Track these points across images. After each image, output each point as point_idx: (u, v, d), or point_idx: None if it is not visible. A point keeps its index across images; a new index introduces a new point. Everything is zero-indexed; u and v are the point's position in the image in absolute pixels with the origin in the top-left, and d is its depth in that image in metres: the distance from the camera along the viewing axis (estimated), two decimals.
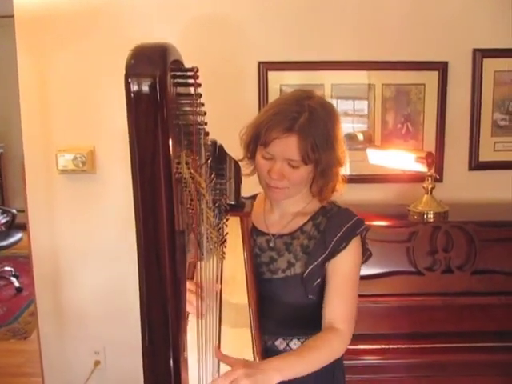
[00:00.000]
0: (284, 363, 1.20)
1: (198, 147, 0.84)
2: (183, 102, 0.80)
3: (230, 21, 2.32)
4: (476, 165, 2.41)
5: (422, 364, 1.94)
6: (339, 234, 1.32)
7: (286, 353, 1.30)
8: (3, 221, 5.45)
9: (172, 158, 0.72)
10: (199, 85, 0.80)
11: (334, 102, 2.36)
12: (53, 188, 2.40)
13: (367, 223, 2.05)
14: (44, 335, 2.53)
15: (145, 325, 0.74)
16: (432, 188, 2.17)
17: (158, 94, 0.67)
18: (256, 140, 1.31)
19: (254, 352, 1.28)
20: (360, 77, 2.35)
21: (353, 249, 1.33)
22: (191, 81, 0.78)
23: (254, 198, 1.47)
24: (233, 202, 1.35)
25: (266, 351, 1.34)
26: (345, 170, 1.38)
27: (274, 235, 1.39)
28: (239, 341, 1.31)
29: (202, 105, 0.84)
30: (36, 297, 2.52)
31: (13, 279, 4.33)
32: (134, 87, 0.67)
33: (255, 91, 2.34)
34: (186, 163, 0.78)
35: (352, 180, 2.38)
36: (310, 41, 2.33)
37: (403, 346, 1.95)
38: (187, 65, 2.32)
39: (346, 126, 2.40)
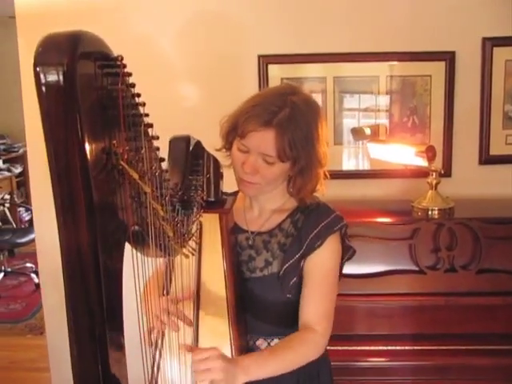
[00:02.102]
0: (251, 363, 1.17)
1: (135, 138, 0.81)
2: (114, 92, 0.76)
3: (229, 14, 2.28)
4: (486, 159, 2.31)
5: (424, 367, 1.87)
6: (315, 231, 1.28)
7: (257, 352, 1.27)
8: (27, 218, 5.60)
9: (92, 148, 0.69)
10: (130, 74, 0.77)
11: (336, 95, 2.30)
12: None
13: (369, 220, 2.01)
14: (50, 330, 2.55)
15: (69, 315, 0.71)
16: (437, 183, 2.08)
17: (68, 83, 0.64)
18: (234, 130, 1.27)
19: (231, 350, 1.25)
20: (363, 69, 2.27)
21: (329, 246, 1.28)
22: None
23: (235, 194, 1.43)
24: (212, 199, 1.32)
25: (248, 351, 1.31)
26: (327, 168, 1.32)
27: (253, 233, 1.36)
28: (218, 340, 1.28)
29: (138, 95, 0.80)
30: (41, 293, 2.55)
31: (33, 275, 4.41)
32: (42, 76, 0.64)
33: (255, 85, 2.29)
34: (115, 154, 0.75)
35: (359, 175, 2.37)
36: (311, 32, 2.26)
37: (404, 348, 1.88)
38: (189, 59, 2.26)
39: (349, 121, 2.34)
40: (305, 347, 1.25)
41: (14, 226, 5.38)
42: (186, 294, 1.27)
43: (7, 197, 5.53)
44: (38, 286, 4.31)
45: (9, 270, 4.64)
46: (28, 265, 4.61)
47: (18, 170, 5.87)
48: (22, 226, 5.47)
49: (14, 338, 3.65)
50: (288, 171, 1.27)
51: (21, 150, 5.81)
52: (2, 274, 4.54)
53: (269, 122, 1.19)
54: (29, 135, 2.39)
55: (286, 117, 1.20)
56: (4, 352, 3.46)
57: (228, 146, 1.32)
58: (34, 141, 2.39)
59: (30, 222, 4.51)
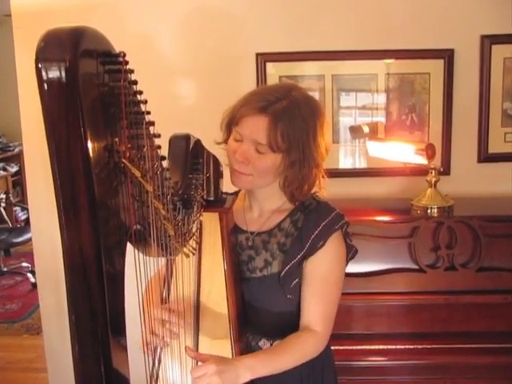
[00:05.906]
0: (257, 361, 1.17)
1: (137, 136, 0.79)
2: (116, 90, 0.75)
3: (227, 12, 2.26)
4: (485, 157, 2.30)
5: (424, 366, 1.86)
6: (316, 231, 1.26)
7: (260, 351, 1.26)
8: (23, 217, 5.56)
9: (94, 145, 0.68)
10: (132, 71, 0.76)
11: (335, 93, 2.29)
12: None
13: (368, 218, 2.00)
14: (47, 330, 2.53)
15: (71, 316, 0.70)
16: (436, 181, 2.07)
17: (70, 80, 0.63)
18: (232, 121, 1.26)
19: (232, 350, 1.24)
20: (362, 67, 2.26)
21: (332, 246, 1.27)
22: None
23: (236, 194, 1.42)
24: (212, 198, 1.31)
25: (250, 352, 1.28)
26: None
27: (252, 233, 1.34)
28: (218, 340, 1.27)
29: (140, 93, 0.79)
30: (38, 292, 2.53)
31: (29, 275, 4.38)
32: (44, 72, 0.63)
33: (253, 83, 2.27)
34: (117, 152, 0.73)
35: (358, 174, 2.36)
36: (310, 30, 2.25)
37: (404, 347, 1.87)
38: (187, 57, 2.25)
39: (348, 119, 2.33)
40: (305, 349, 1.25)
41: (10, 225, 5.35)
42: (185, 294, 1.25)
43: (3, 196, 5.49)
44: (34, 285, 4.29)
45: (5, 269, 4.62)
46: (24, 264, 4.59)
47: (13, 169, 5.84)
48: (18, 226, 5.44)
49: (11, 338, 3.62)
50: (280, 165, 1.23)
51: (16, 149, 5.78)
52: None
53: (264, 109, 1.18)
54: (25, 134, 2.37)
55: (283, 107, 1.18)
56: (0, 352, 3.43)
57: (227, 139, 1.30)
58: (31, 140, 2.37)
59: (26, 221, 4.48)
